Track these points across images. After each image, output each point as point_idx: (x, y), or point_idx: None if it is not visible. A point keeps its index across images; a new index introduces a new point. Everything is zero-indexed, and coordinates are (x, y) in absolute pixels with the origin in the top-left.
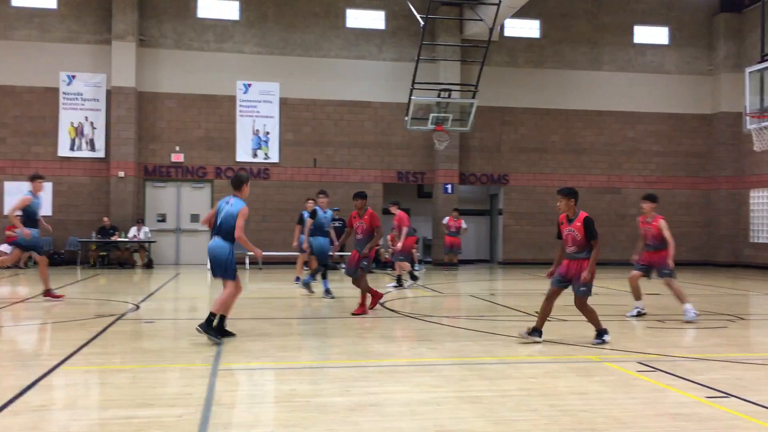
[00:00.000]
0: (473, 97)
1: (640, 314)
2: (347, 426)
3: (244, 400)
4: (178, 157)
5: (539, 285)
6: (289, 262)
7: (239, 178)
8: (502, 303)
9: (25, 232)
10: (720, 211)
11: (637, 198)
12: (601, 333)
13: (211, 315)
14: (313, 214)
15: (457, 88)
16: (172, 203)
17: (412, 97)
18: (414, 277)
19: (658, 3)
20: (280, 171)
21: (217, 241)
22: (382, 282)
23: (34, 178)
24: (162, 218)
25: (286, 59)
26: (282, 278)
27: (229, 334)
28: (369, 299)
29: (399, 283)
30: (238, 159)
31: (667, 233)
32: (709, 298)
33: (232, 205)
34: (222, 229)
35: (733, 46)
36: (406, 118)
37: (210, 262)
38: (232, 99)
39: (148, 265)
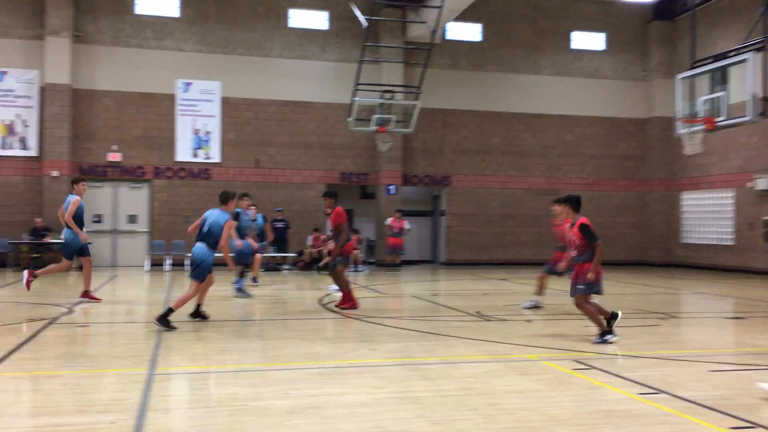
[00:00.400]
0: (416, 99)
1: (535, 306)
2: (286, 429)
3: (180, 405)
4: (115, 157)
5: (481, 285)
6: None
7: (227, 195)
8: (443, 303)
9: (83, 237)
10: (653, 212)
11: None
12: (603, 333)
13: (170, 309)
14: (235, 216)
15: (400, 89)
16: (109, 204)
17: (356, 98)
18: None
19: (594, 10)
20: (221, 171)
21: (201, 246)
22: (323, 283)
23: (78, 181)
24: (98, 219)
25: (227, 58)
26: (223, 279)
27: (204, 317)
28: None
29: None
30: (178, 159)
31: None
32: (643, 297)
33: (217, 216)
34: (208, 236)
35: (666, 53)
36: (350, 119)
37: (192, 263)
38: (171, 97)
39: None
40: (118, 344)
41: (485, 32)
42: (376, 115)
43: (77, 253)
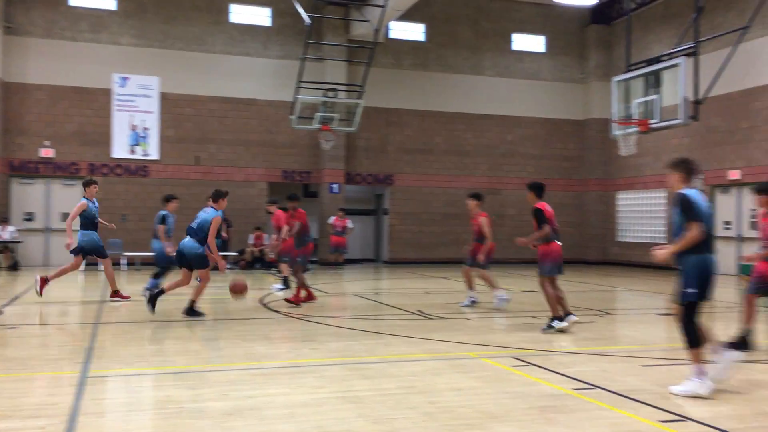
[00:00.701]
0: (359, 98)
1: (473, 303)
2: (223, 431)
3: (114, 409)
4: (47, 152)
5: (423, 284)
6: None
7: (218, 193)
8: (386, 302)
9: (69, 241)
10: (590, 211)
11: (516, 199)
12: (552, 318)
13: (192, 302)
14: (162, 219)
15: (344, 88)
16: (41, 201)
17: (298, 96)
18: (286, 284)
19: (534, 12)
20: (159, 168)
21: (191, 241)
22: (265, 282)
23: (89, 183)
24: (29, 217)
25: (166, 53)
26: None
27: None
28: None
29: (286, 284)
30: (114, 155)
31: (486, 230)
32: (580, 295)
33: (208, 213)
34: (197, 233)
35: (603, 57)
36: (292, 117)
37: (179, 256)
38: (107, 92)
39: (14, 267)
40: (51, 346)
41: (428, 32)
42: (319, 114)
43: (95, 254)
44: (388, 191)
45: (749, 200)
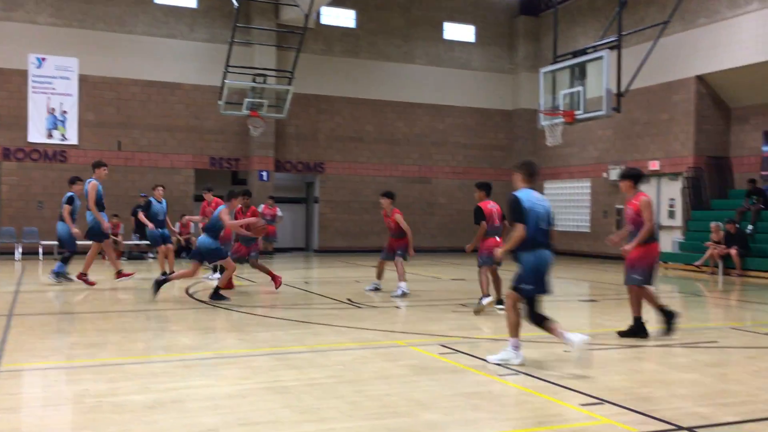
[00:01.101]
0: (289, 84)
1: (377, 289)
2: (143, 425)
3: (28, 404)
4: None
5: (353, 272)
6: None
7: (231, 193)
8: (315, 291)
9: (105, 225)
10: None
11: (446, 188)
12: (482, 297)
13: (218, 288)
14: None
15: (273, 73)
16: None
17: (226, 81)
18: (215, 269)
19: (465, 2)
20: (79, 154)
21: (205, 237)
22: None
23: (99, 165)
24: None
25: (86, 33)
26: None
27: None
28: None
29: (216, 271)
30: (31, 139)
31: (403, 225)
32: (506, 283)
33: (216, 210)
34: (210, 229)
35: (531, 48)
36: (220, 102)
37: (197, 252)
38: (23, 73)
39: None
40: None
41: (359, 19)
42: (248, 99)
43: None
44: (318, 179)
45: (668, 190)
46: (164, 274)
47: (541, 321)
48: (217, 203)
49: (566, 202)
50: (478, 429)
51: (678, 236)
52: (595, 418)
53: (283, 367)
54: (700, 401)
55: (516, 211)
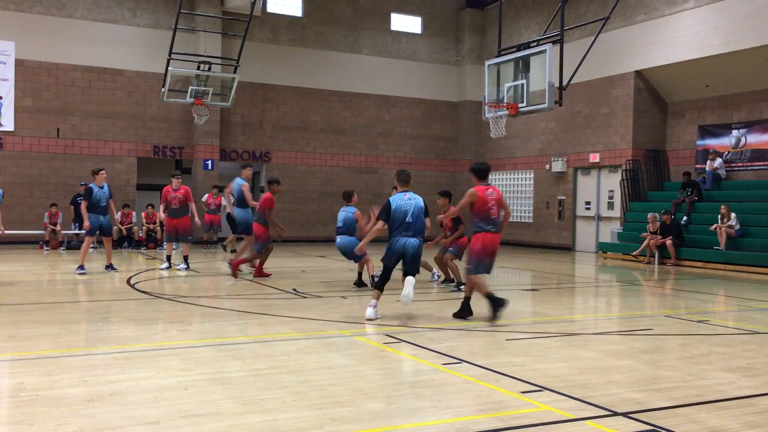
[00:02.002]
0: (234, 72)
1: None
2: (81, 418)
3: None
4: None
5: (299, 262)
6: (29, 242)
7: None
8: (260, 281)
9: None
10: (463, 191)
11: (392, 178)
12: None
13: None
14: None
15: (218, 61)
16: None
17: (170, 68)
18: (168, 261)
19: None
20: (15, 141)
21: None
22: (135, 263)
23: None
24: None
25: (22, 16)
26: (19, 259)
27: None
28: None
29: (170, 263)
30: None
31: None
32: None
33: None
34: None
35: (477, 40)
36: (163, 90)
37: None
38: None
39: None
40: None
41: (306, 7)
42: (193, 87)
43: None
44: (264, 168)
45: (607, 182)
46: (82, 268)
47: (380, 286)
48: (186, 191)
49: (510, 193)
50: (420, 417)
51: (616, 227)
52: (534, 405)
53: (226, 358)
54: (635, 387)
55: (383, 211)
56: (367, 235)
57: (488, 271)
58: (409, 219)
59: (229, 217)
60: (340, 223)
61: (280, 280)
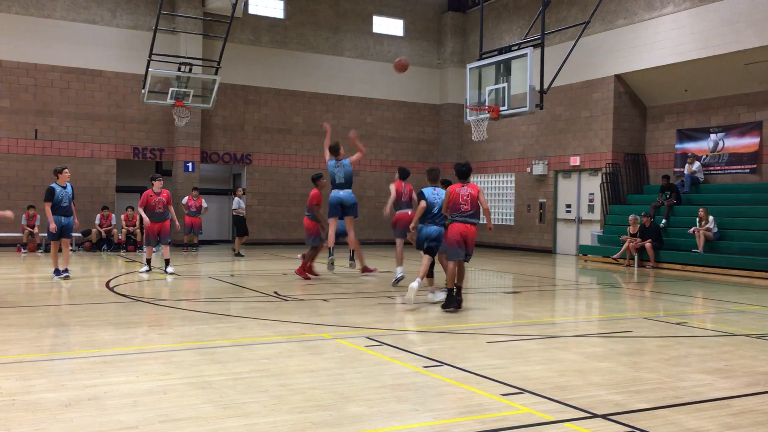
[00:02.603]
0: (216, 74)
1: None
2: (59, 423)
3: None
4: None
5: (280, 265)
6: (6, 244)
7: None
8: (241, 284)
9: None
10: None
11: (374, 180)
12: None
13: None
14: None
15: (199, 63)
16: None
17: (150, 69)
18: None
19: None
20: None
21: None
22: (114, 266)
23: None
24: None
25: (0, 16)
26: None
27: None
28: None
29: (150, 267)
30: None
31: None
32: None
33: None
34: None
35: (459, 43)
36: (143, 91)
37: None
38: None
39: None
40: None
41: (287, 9)
42: (173, 89)
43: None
44: (245, 171)
45: (588, 185)
46: (58, 272)
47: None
48: (168, 193)
49: (492, 195)
50: (401, 420)
51: (597, 230)
52: (515, 407)
53: (206, 361)
54: (615, 389)
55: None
56: (415, 215)
57: (462, 257)
58: (435, 210)
59: (238, 220)
60: (341, 180)
61: (261, 283)
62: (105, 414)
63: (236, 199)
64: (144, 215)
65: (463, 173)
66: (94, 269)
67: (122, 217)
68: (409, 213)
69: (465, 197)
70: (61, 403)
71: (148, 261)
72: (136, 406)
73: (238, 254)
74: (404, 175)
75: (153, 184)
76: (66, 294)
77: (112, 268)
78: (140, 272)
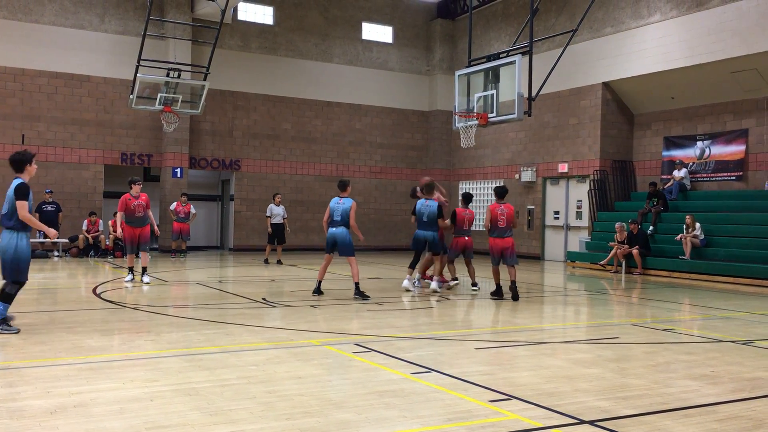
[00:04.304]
0: (204, 79)
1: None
2: (44, 431)
3: None
4: None
5: (269, 271)
6: None
7: (343, 182)
8: (229, 290)
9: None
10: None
11: (363, 187)
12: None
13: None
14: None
15: (188, 68)
16: None
17: (139, 75)
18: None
19: (383, 3)
20: None
21: (342, 230)
22: (102, 272)
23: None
24: None
25: None
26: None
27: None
28: None
29: (134, 275)
30: None
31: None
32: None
33: (345, 203)
34: (342, 221)
35: (447, 50)
36: (131, 96)
37: (332, 243)
38: None
39: None
40: None
41: (277, 16)
42: (162, 94)
43: None
44: (234, 177)
45: (576, 192)
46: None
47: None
48: (146, 197)
49: (480, 202)
50: (389, 427)
51: (585, 236)
52: (503, 413)
53: (193, 368)
54: (602, 395)
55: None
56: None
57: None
58: (425, 219)
59: (278, 228)
60: (338, 217)
61: (249, 289)
62: (91, 421)
63: (271, 206)
64: (119, 220)
65: (499, 194)
66: (81, 275)
67: (110, 223)
68: (467, 238)
69: (502, 215)
70: (46, 410)
71: (131, 269)
72: (122, 413)
73: (279, 262)
74: (468, 199)
75: (131, 188)
76: (52, 300)
77: (99, 274)
78: (125, 281)
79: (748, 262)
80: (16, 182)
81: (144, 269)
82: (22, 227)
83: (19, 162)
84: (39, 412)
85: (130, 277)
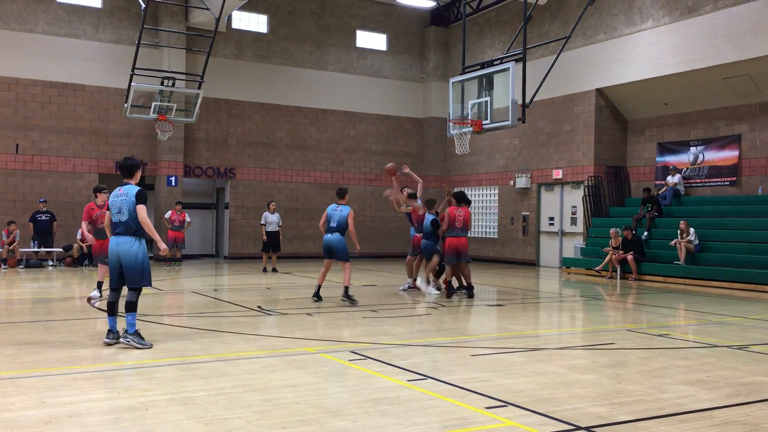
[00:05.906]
0: (199, 88)
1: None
2: None
3: None
4: None
5: (264, 279)
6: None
7: (342, 190)
8: (225, 299)
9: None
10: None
11: (358, 194)
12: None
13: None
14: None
15: (182, 77)
16: None
17: (133, 84)
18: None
19: (377, 11)
20: None
21: (337, 236)
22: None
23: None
24: None
25: None
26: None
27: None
28: None
29: (101, 291)
30: None
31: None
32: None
33: (342, 210)
34: (339, 229)
35: (441, 58)
36: (126, 105)
37: (328, 249)
38: None
39: None
40: None
41: (271, 24)
42: (156, 103)
43: None
44: (228, 185)
45: (570, 198)
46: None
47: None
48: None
49: (475, 208)
50: None
51: (579, 242)
52: (499, 420)
53: (189, 377)
54: (598, 401)
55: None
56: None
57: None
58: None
59: (273, 236)
60: (333, 224)
61: (244, 297)
62: (86, 431)
63: (265, 213)
64: (84, 229)
65: (459, 198)
66: (75, 285)
67: (79, 231)
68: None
69: (459, 217)
70: (41, 420)
71: (99, 285)
72: (117, 423)
73: (274, 269)
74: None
75: (96, 197)
76: (46, 310)
77: (93, 283)
78: (91, 298)
79: (743, 266)
80: (133, 189)
81: (99, 284)
82: (143, 233)
83: (131, 167)
84: (33, 422)
85: (97, 293)
